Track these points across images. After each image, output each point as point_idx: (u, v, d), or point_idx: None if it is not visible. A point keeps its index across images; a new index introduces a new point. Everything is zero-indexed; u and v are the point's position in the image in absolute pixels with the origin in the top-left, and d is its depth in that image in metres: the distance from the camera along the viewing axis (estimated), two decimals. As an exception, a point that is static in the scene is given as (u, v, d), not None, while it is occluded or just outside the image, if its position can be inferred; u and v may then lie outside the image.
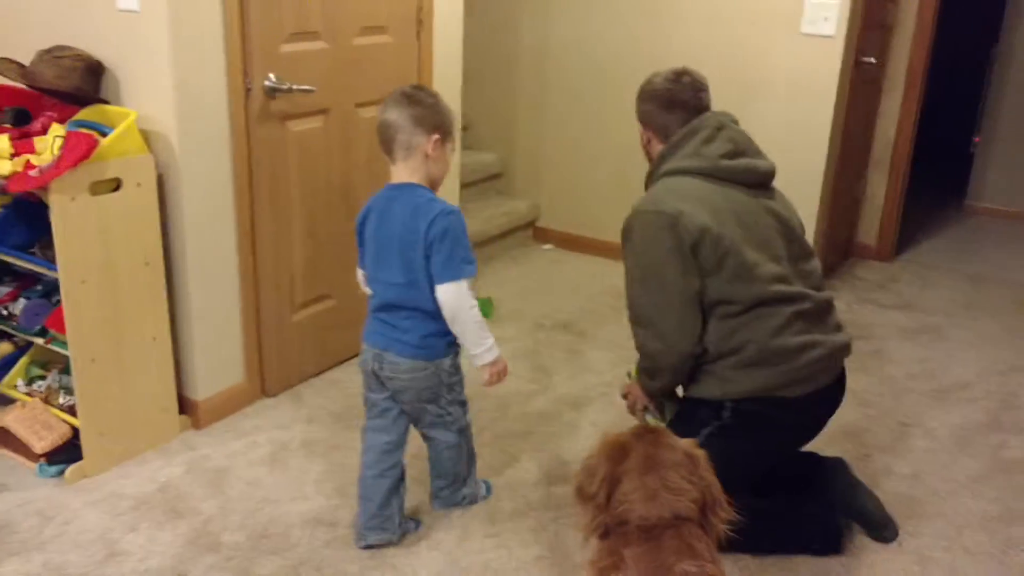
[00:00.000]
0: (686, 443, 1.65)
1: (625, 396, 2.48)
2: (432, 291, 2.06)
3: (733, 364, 2.12)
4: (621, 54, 4.22)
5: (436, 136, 2.07)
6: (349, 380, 3.11)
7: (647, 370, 2.25)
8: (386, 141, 2.08)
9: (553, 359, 3.33)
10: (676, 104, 2.23)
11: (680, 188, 2.16)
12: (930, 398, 3.10)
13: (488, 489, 2.47)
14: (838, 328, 2.25)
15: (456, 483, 2.37)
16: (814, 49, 3.75)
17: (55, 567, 2.16)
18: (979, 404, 3.08)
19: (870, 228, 4.65)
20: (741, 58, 3.92)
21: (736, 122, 2.27)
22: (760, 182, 2.23)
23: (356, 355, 3.25)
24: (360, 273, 2.25)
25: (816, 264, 2.28)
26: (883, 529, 2.30)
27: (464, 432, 2.31)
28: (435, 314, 2.09)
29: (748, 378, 2.11)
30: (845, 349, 2.23)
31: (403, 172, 2.10)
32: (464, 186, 3.89)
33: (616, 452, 1.60)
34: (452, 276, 2.03)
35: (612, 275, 4.21)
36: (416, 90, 2.10)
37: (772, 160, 2.27)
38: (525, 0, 4.43)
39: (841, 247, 4.52)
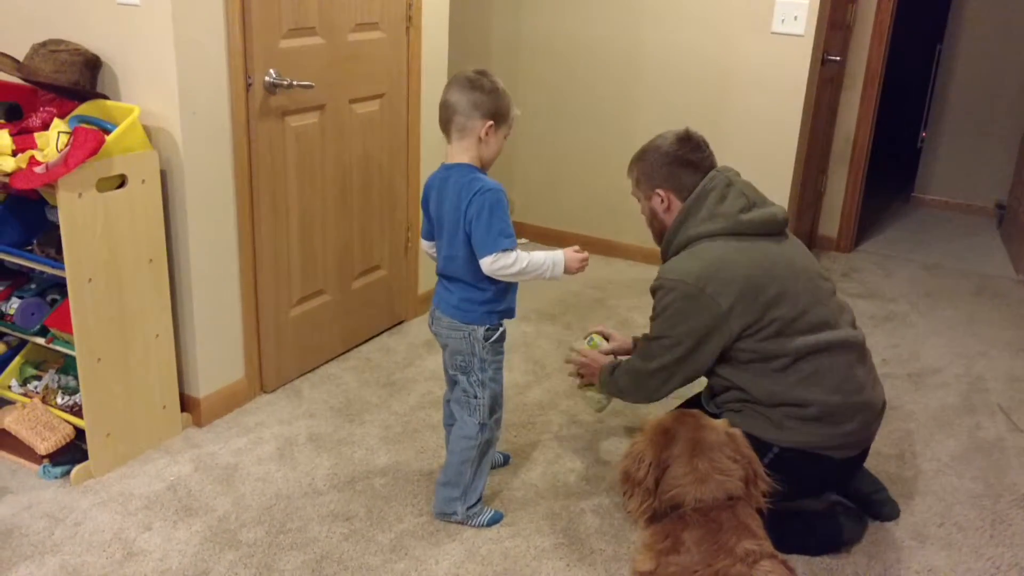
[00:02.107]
0: (722, 423, 1.72)
1: (568, 361, 2.61)
2: (469, 263, 2.19)
3: (793, 415, 2.13)
4: (594, 50, 4.30)
5: (490, 122, 2.17)
6: (344, 375, 3.13)
7: (618, 392, 2.41)
8: (444, 121, 2.20)
9: (543, 351, 3.39)
10: (691, 163, 2.23)
11: (709, 253, 2.15)
12: (907, 382, 3.25)
13: (494, 519, 2.38)
14: (876, 381, 2.29)
15: (452, 486, 2.33)
16: (785, 47, 3.87)
17: (72, 569, 2.14)
18: (951, 388, 3.24)
19: (831, 220, 4.82)
20: (714, 56, 4.03)
21: (739, 175, 2.29)
22: (780, 230, 2.24)
23: (349, 350, 3.30)
24: (423, 243, 2.42)
25: (842, 299, 2.32)
26: (883, 506, 2.41)
27: (483, 432, 2.30)
28: (474, 284, 2.22)
29: (806, 431, 2.13)
30: (883, 411, 2.29)
31: (457, 151, 2.22)
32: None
33: (661, 437, 1.66)
34: (489, 249, 2.13)
35: (589, 267, 4.28)
36: (479, 75, 2.18)
37: (783, 207, 2.28)
38: (498, -4, 4.48)
39: (804, 239, 4.67)
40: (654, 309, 2.24)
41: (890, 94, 5.13)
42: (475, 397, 2.29)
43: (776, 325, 2.11)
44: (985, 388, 3.25)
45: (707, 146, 2.28)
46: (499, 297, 2.25)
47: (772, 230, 2.22)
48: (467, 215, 2.13)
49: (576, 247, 2.28)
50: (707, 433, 1.65)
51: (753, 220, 2.18)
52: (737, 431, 1.72)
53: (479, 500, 2.36)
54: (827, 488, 2.40)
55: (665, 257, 2.30)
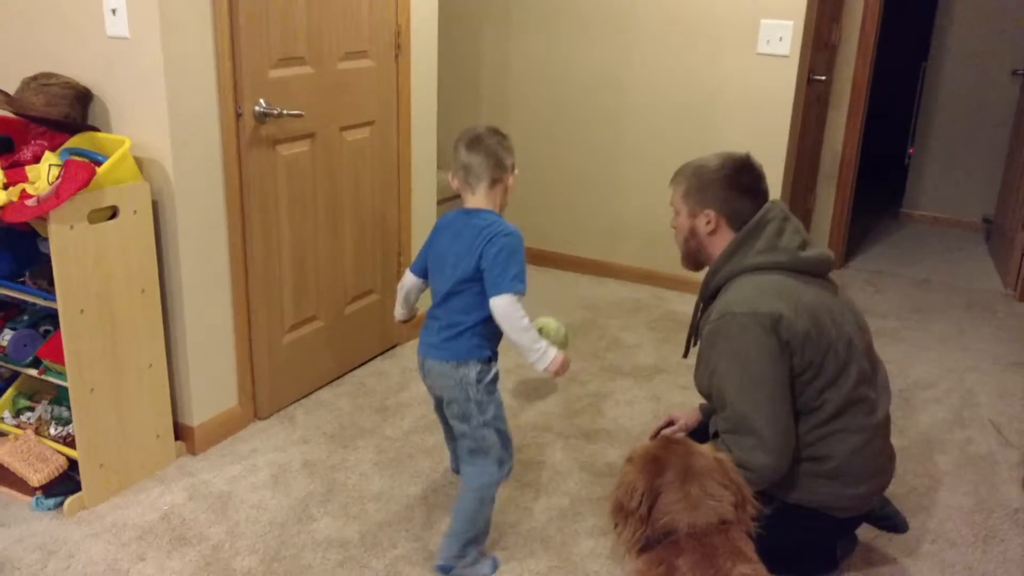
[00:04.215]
0: (709, 448, 1.73)
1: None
2: (469, 304, 2.21)
3: (808, 471, 2.07)
4: (582, 73, 4.34)
5: (516, 171, 2.33)
6: (337, 401, 3.13)
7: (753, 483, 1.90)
8: (474, 177, 2.27)
9: (536, 373, 3.39)
10: (749, 191, 2.13)
11: (771, 286, 2.04)
12: (897, 399, 3.26)
13: (494, 567, 2.31)
14: (892, 456, 2.24)
15: (466, 532, 2.24)
16: (770, 68, 3.92)
17: (66, 601, 2.14)
18: (943, 403, 3.25)
19: (820, 238, 4.84)
20: (701, 78, 4.07)
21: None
22: (829, 271, 2.16)
23: (343, 375, 3.30)
24: (408, 275, 2.45)
25: (876, 355, 2.21)
26: (892, 519, 2.35)
27: (503, 468, 2.28)
28: (470, 327, 2.22)
29: (815, 489, 2.08)
30: (890, 479, 2.23)
31: (480, 200, 2.29)
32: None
33: (651, 465, 1.66)
34: (505, 289, 2.15)
35: (582, 288, 4.33)
36: (491, 133, 2.31)
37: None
38: (486, 21, 4.52)
39: (794, 256, 4.69)
40: (722, 343, 2.04)
41: (876, 112, 5.18)
42: (484, 440, 2.25)
43: (829, 371, 2.02)
44: (976, 403, 3.27)
45: (764, 177, 2.18)
46: (488, 331, 2.23)
47: (823, 271, 2.14)
48: (484, 252, 2.16)
49: (569, 360, 2.29)
50: (697, 459, 1.65)
51: (810, 259, 2.10)
52: (725, 456, 1.72)
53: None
54: (822, 541, 2.30)
55: (707, 286, 2.19)
